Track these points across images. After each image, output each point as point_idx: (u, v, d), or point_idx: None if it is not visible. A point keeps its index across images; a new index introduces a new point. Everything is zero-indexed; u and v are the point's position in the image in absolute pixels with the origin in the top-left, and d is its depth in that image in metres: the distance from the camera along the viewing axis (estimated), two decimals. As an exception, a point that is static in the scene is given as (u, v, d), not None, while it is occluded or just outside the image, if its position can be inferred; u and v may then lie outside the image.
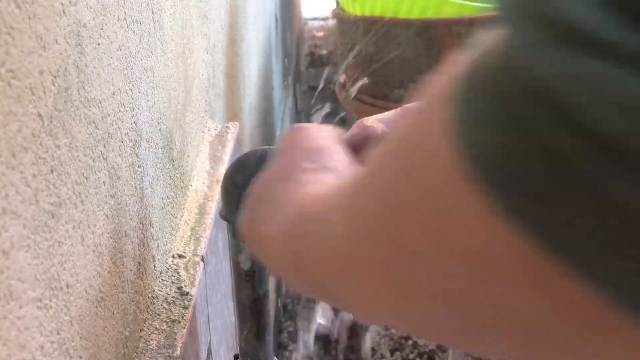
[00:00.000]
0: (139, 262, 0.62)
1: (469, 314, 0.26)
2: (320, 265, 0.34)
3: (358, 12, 1.34)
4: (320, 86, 3.32)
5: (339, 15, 1.39)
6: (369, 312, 0.35)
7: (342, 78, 1.50)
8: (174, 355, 0.62)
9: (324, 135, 0.44)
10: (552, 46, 0.20)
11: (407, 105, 0.35)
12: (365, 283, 0.30)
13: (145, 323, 0.64)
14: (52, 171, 0.41)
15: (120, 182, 0.56)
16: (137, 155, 0.62)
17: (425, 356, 1.62)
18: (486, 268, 0.24)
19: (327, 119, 3.09)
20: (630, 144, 0.19)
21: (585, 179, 0.20)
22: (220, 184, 0.59)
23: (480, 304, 0.25)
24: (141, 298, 0.63)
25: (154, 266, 0.68)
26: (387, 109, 0.50)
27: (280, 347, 1.86)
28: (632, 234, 0.20)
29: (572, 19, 0.19)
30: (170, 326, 0.65)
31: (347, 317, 1.89)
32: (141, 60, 0.63)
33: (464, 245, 0.24)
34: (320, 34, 4.07)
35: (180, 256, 0.75)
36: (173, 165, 0.77)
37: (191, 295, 0.69)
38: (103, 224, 0.52)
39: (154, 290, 0.68)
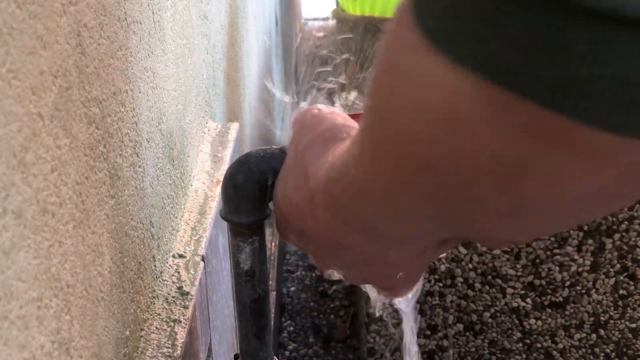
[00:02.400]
0: (140, 262, 0.62)
1: (454, 170, 0.31)
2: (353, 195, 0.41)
3: (358, 12, 1.34)
4: (320, 86, 3.31)
5: (339, 15, 1.39)
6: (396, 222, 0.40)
7: (342, 78, 1.50)
8: (175, 354, 0.62)
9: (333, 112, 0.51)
10: None
11: None
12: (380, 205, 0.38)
13: (145, 323, 0.64)
14: (52, 171, 0.41)
15: (120, 182, 0.56)
16: (137, 155, 0.62)
17: (425, 356, 1.62)
18: (458, 121, 0.28)
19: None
20: None
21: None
22: (220, 184, 0.59)
23: (459, 157, 0.30)
24: (141, 298, 0.63)
25: (155, 266, 0.68)
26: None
27: (280, 347, 1.86)
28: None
29: None
30: (170, 326, 0.65)
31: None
32: (141, 60, 0.63)
33: (440, 109, 0.29)
34: (320, 34, 4.07)
35: (180, 256, 0.75)
36: (173, 165, 0.77)
37: (191, 295, 0.69)
38: (103, 224, 0.52)
39: (154, 290, 0.68)
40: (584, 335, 1.61)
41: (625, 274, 1.57)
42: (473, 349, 1.63)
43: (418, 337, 1.61)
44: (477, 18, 0.25)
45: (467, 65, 0.26)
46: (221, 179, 0.68)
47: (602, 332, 1.60)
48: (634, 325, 1.60)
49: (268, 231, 1.82)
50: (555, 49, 0.24)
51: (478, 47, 0.26)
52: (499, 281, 1.57)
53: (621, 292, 1.58)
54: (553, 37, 0.24)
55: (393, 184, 0.36)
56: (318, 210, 0.46)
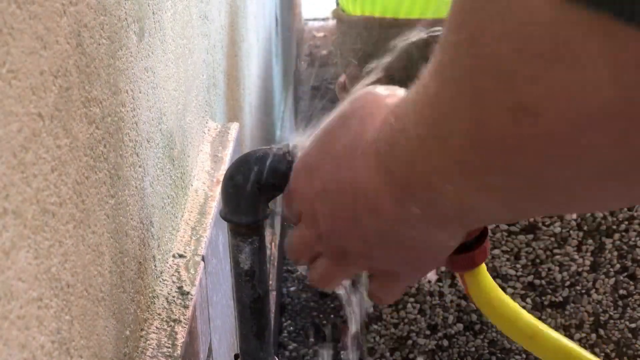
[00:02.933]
0: (140, 262, 0.62)
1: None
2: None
3: (358, 12, 1.34)
4: (320, 86, 3.32)
5: (339, 15, 1.39)
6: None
7: (342, 78, 1.50)
8: (175, 354, 0.62)
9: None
10: None
11: None
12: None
13: (145, 322, 0.64)
14: (52, 171, 0.41)
15: (120, 182, 0.56)
16: (137, 155, 0.62)
17: (425, 356, 1.62)
18: (568, 55, 0.25)
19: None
20: None
21: None
22: (221, 184, 0.59)
23: (566, 100, 0.26)
24: (142, 298, 0.63)
25: (155, 266, 0.68)
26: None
27: (280, 347, 1.86)
28: None
29: None
30: (170, 326, 0.65)
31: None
32: (142, 60, 0.63)
33: (545, 42, 0.26)
34: (320, 34, 4.07)
35: (180, 256, 0.75)
36: (173, 165, 0.77)
37: (192, 295, 0.69)
38: (104, 224, 0.52)
39: (154, 290, 0.68)
40: (583, 335, 1.61)
41: (625, 274, 1.57)
42: (473, 349, 1.63)
43: (418, 337, 1.61)
44: None
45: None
46: (221, 178, 0.68)
47: (602, 332, 1.60)
48: (633, 325, 1.60)
49: (268, 231, 1.82)
50: None
51: None
52: (499, 281, 1.57)
53: (621, 292, 1.58)
54: None
55: (476, 128, 0.31)
56: (360, 168, 0.42)
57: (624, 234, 1.53)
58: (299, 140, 0.53)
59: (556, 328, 1.60)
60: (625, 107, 0.25)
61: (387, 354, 1.63)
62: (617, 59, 0.24)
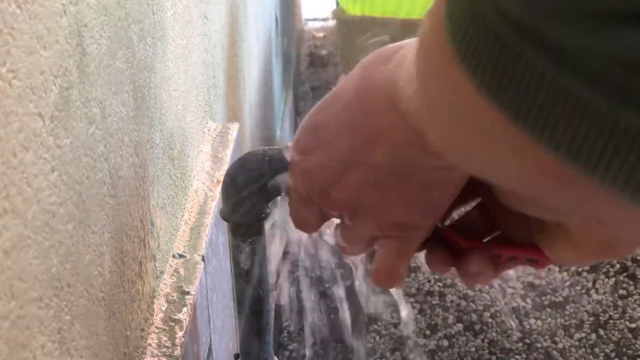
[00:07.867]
0: (140, 262, 0.62)
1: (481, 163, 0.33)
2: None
3: (358, 13, 1.34)
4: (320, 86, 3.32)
5: (339, 15, 1.39)
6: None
7: (342, 78, 1.50)
8: (175, 354, 0.62)
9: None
10: None
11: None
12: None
13: (146, 322, 0.64)
14: (53, 171, 0.41)
15: (121, 182, 0.56)
16: (137, 156, 0.62)
17: (425, 356, 1.62)
18: (480, 131, 0.30)
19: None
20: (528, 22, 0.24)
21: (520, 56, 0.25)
22: (221, 184, 0.59)
23: (485, 160, 0.32)
24: (142, 297, 0.63)
25: (155, 266, 0.68)
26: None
27: (280, 347, 1.86)
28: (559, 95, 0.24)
29: None
30: (170, 326, 0.65)
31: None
32: (142, 60, 0.63)
33: (466, 116, 0.30)
34: (320, 34, 4.07)
35: (180, 256, 0.75)
36: (173, 165, 0.77)
37: (191, 295, 0.69)
38: (104, 224, 0.52)
39: (154, 290, 0.68)
40: (583, 335, 1.61)
41: (625, 273, 1.57)
42: (473, 349, 1.63)
43: (418, 337, 1.61)
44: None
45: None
46: (221, 179, 0.69)
47: (601, 332, 1.60)
48: (633, 325, 1.60)
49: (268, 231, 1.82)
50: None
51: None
52: (498, 281, 1.57)
53: (621, 292, 1.58)
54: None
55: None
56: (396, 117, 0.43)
57: (623, 234, 1.53)
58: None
59: (556, 328, 1.60)
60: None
61: (387, 354, 1.63)
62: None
